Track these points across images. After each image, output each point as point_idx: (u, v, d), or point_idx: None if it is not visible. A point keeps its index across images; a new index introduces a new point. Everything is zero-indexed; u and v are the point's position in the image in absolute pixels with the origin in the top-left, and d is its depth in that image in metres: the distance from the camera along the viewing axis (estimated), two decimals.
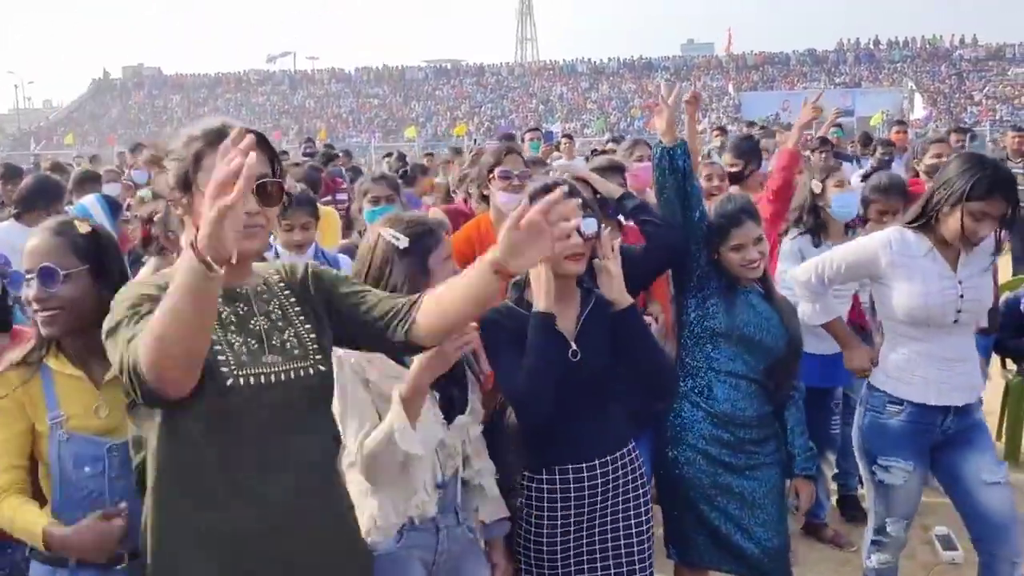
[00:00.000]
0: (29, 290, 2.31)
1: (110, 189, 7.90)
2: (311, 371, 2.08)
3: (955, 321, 3.31)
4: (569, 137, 12.35)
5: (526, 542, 2.84)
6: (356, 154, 18.72)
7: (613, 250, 2.86)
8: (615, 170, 4.16)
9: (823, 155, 8.04)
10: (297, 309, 2.15)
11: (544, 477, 2.80)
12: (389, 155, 14.15)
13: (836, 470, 5.22)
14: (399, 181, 5.05)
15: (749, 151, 5.69)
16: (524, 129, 11.87)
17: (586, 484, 2.80)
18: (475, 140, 27.10)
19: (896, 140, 10.48)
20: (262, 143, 2.01)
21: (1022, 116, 44.93)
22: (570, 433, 2.80)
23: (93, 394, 2.34)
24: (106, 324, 1.94)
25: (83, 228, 2.40)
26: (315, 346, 2.12)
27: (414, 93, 68.23)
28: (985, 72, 58.00)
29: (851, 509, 5.12)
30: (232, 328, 2.04)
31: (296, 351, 2.08)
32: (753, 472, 3.27)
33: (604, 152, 8.59)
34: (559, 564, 2.81)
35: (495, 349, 2.78)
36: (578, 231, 2.67)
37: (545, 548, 2.81)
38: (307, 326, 2.13)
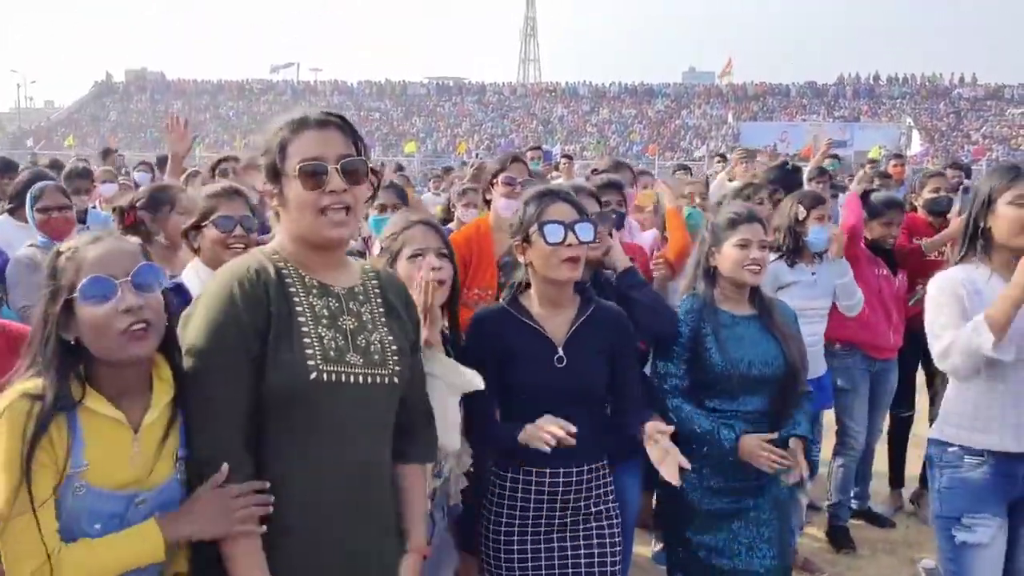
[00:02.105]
0: (116, 300, 1.92)
1: (106, 189, 7.92)
2: (387, 380, 2.13)
3: None
4: (569, 158, 12.35)
5: (491, 540, 2.87)
6: None
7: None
8: (614, 187, 4.20)
9: (820, 185, 8.06)
10: (383, 320, 2.20)
11: (509, 475, 2.86)
12: (380, 166, 14.09)
13: (829, 500, 5.22)
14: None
15: (780, 180, 5.78)
16: (525, 148, 11.87)
17: (548, 489, 2.83)
18: (476, 154, 27.17)
19: (894, 173, 10.53)
20: (344, 125, 2.12)
21: (1018, 156, 45.22)
22: None
23: (129, 440, 1.96)
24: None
25: (135, 240, 2.12)
26: (395, 357, 2.17)
27: (415, 108, 68.41)
28: (983, 112, 58.35)
29: (841, 539, 5.12)
30: (324, 322, 2.09)
31: (376, 356, 2.13)
32: (761, 491, 3.27)
33: (645, 171, 8.69)
34: (516, 563, 2.83)
35: (476, 352, 2.83)
36: (574, 233, 2.76)
37: (504, 546, 2.84)
38: (390, 337, 2.18)
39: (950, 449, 3.15)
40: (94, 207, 7.03)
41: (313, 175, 2.03)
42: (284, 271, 2.10)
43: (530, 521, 2.84)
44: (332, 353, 2.05)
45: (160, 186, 4.19)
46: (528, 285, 2.92)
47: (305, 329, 2.04)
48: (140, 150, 47.06)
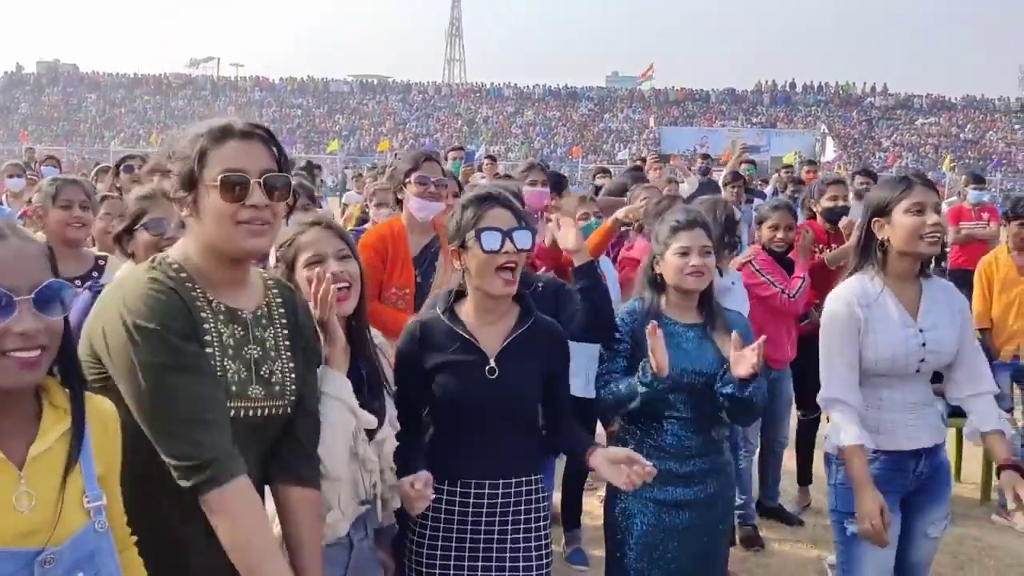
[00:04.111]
0: (12, 320, 1.58)
1: (13, 184, 7.66)
2: (280, 411, 2.08)
3: (917, 371, 3.21)
4: (492, 159, 12.38)
5: (418, 556, 2.79)
6: None
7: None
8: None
9: (735, 190, 8.24)
10: (287, 343, 2.13)
11: (446, 488, 2.74)
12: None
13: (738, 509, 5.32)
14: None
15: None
16: (447, 149, 11.85)
17: (474, 501, 2.76)
18: (396, 155, 27.04)
19: (807, 179, 10.80)
20: (267, 137, 2.05)
21: (926, 163, 46.90)
22: (478, 448, 2.76)
23: (12, 478, 1.60)
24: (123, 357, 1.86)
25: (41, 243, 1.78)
26: (292, 386, 2.11)
27: (338, 106, 67.70)
28: (894, 120, 60.32)
29: (750, 538, 5.24)
30: (230, 352, 2.00)
31: (277, 387, 2.07)
32: (702, 508, 3.28)
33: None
34: None
35: (407, 362, 2.77)
36: (511, 241, 2.68)
37: (427, 561, 2.77)
38: (290, 365, 2.12)
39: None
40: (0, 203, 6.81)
41: (235, 187, 1.96)
42: (193, 293, 1.99)
43: (454, 535, 2.77)
44: (235, 388, 1.97)
45: (53, 179, 4.07)
46: (463, 293, 2.83)
47: (213, 362, 1.96)
48: (51, 144, 45.59)
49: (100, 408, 1.78)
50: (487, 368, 2.73)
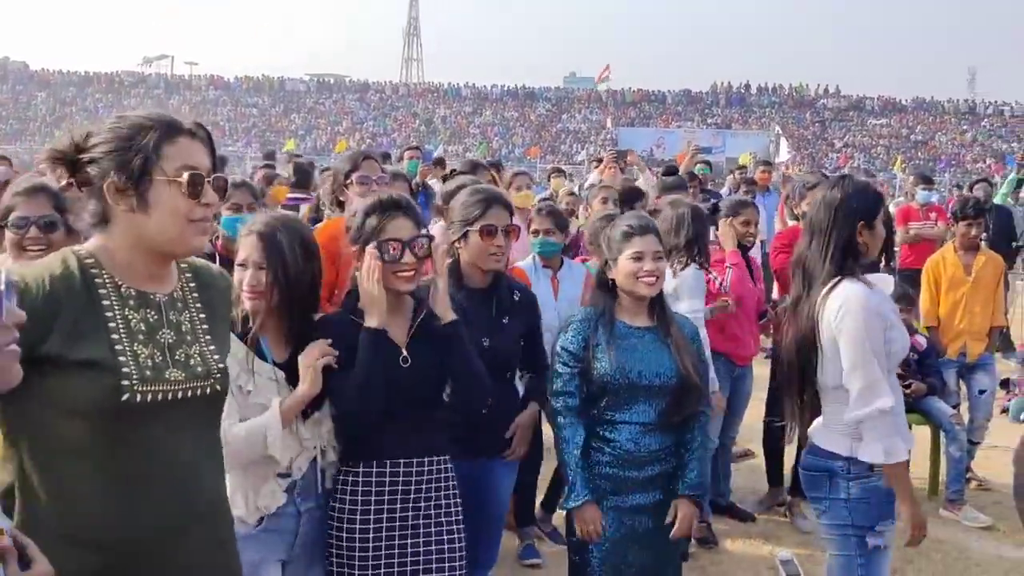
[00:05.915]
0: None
1: None
2: (208, 391, 2.05)
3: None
4: (440, 162, 12.28)
5: (338, 540, 2.89)
6: (232, 164, 18.24)
7: (443, 267, 3.06)
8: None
9: (691, 190, 8.29)
10: (205, 328, 2.10)
11: (360, 470, 2.89)
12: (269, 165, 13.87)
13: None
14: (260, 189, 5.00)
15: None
16: (403, 148, 11.78)
17: (400, 481, 2.90)
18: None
19: (760, 179, 10.95)
20: (207, 137, 2.06)
21: (877, 164, 47.69)
22: (392, 432, 2.89)
23: None
24: None
25: None
26: (218, 367, 2.08)
27: (295, 105, 67.12)
28: (846, 121, 61.19)
29: (706, 540, 5.26)
30: (140, 337, 1.96)
31: (199, 368, 2.04)
32: (662, 511, 3.30)
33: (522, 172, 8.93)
34: (369, 561, 2.86)
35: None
36: (411, 251, 2.89)
37: (347, 543, 2.87)
38: (211, 347, 2.09)
39: (856, 462, 3.12)
40: None
41: (198, 185, 1.96)
42: (98, 280, 1.95)
43: (371, 515, 2.87)
44: (149, 372, 1.93)
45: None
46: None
47: (119, 347, 1.91)
48: (0, 142, 44.68)
49: None
50: (400, 358, 2.89)
